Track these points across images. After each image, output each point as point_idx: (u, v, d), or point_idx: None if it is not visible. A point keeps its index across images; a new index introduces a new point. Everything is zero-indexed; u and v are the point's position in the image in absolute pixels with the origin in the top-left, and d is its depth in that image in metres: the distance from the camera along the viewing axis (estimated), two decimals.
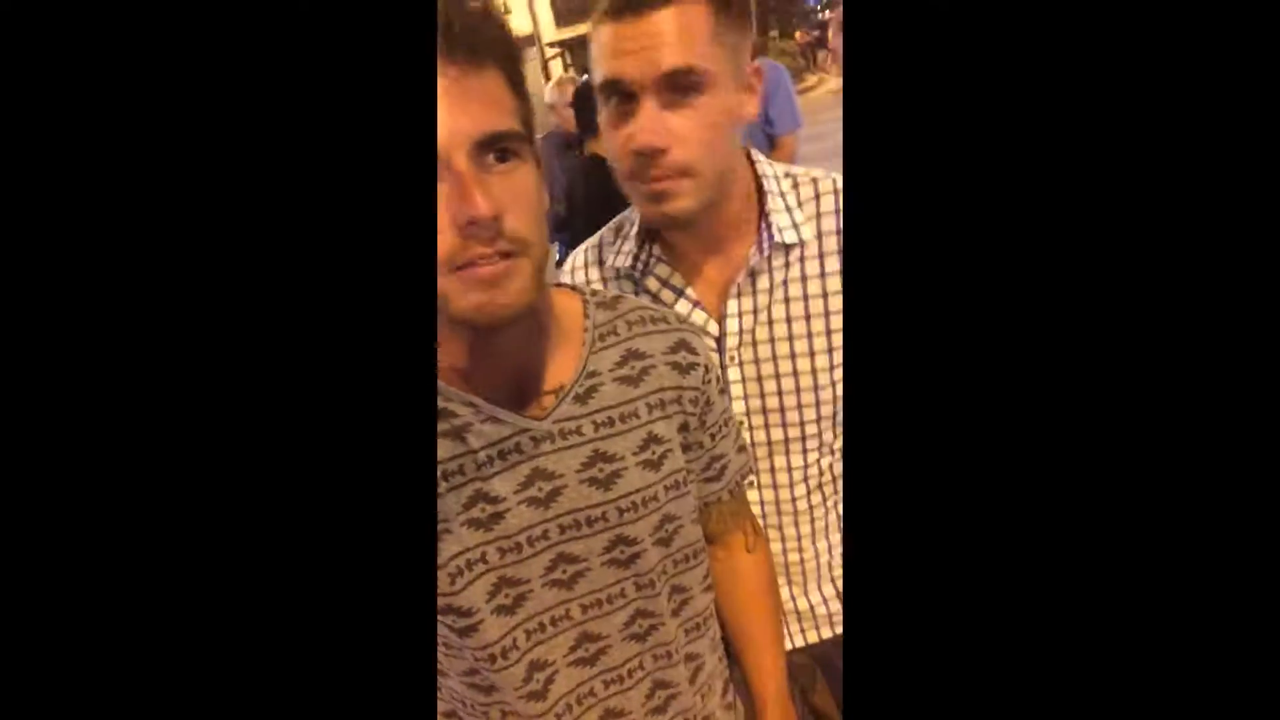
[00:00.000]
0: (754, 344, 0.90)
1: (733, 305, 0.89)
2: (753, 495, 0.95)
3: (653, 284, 0.91)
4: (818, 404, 0.91)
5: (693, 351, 0.76)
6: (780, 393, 0.91)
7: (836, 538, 1.00)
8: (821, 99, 12.04)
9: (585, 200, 2.78)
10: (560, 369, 0.70)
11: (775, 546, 0.98)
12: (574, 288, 0.77)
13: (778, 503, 0.96)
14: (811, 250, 0.88)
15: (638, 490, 0.70)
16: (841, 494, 0.99)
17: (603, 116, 0.82)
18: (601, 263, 0.95)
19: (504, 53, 0.58)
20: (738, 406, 0.91)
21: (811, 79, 15.62)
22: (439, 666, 0.73)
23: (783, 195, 0.89)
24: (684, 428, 0.75)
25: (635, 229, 0.92)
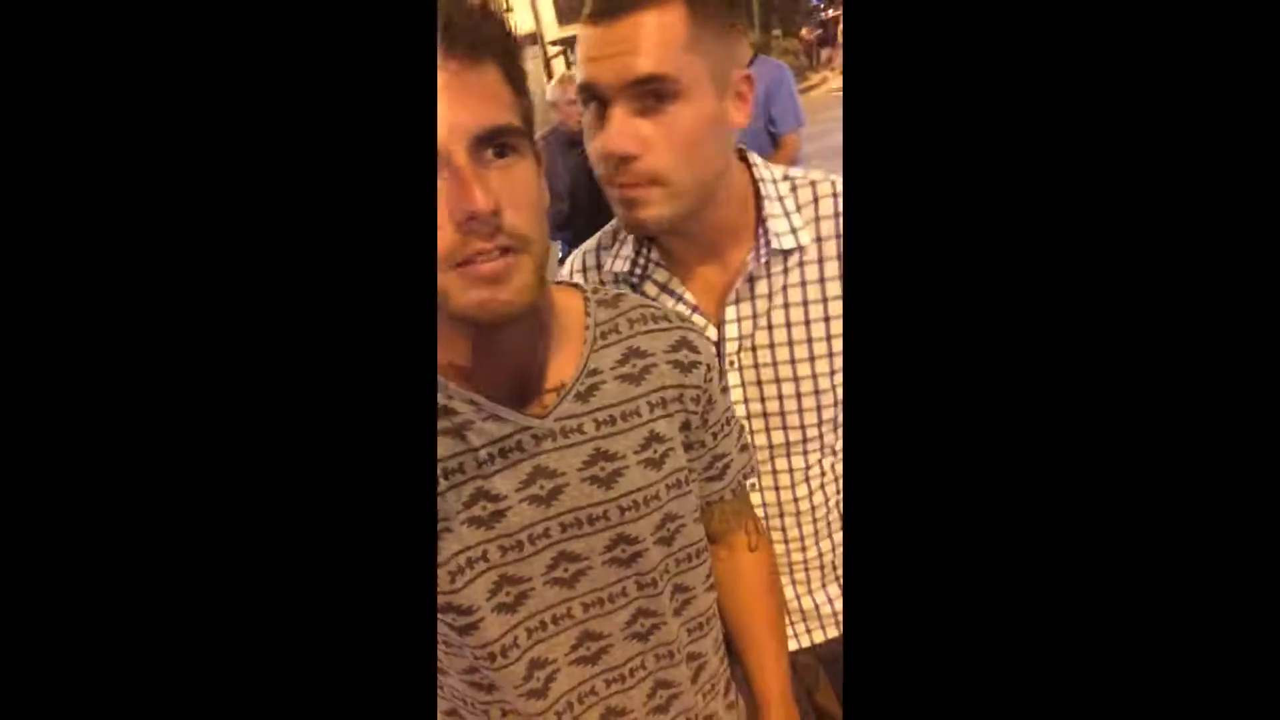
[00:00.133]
0: (753, 349, 0.90)
1: (731, 311, 0.89)
2: (755, 497, 0.95)
3: (651, 289, 0.91)
4: (819, 408, 0.91)
5: (694, 350, 0.75)
6: (780, 397, 0.91)
7: (840, 537, 1.00)
8: (824, 98, 12.04)
9: (588, 199, 2.78)
10: (561, 367, 0.70)
11: (779, 547, 0.98)
12: (575, 285, 0.77)
13: (780, 504, 0.96)
14: (811, 255, 0.87)
15: (639, 489, 0.70)
16: (843, 495, 0.99)
17: (584, 120, 0.81)
18: (599, 266, 0.95)
19: (502, 48, 0.58)
20: (738, 410, 0.91)
21: (814, 77, 15.62)
22: (439, 665, 0.73)
23: (780, 199, 0.88)
24: (686, 426, 0.75)
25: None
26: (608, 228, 0.97)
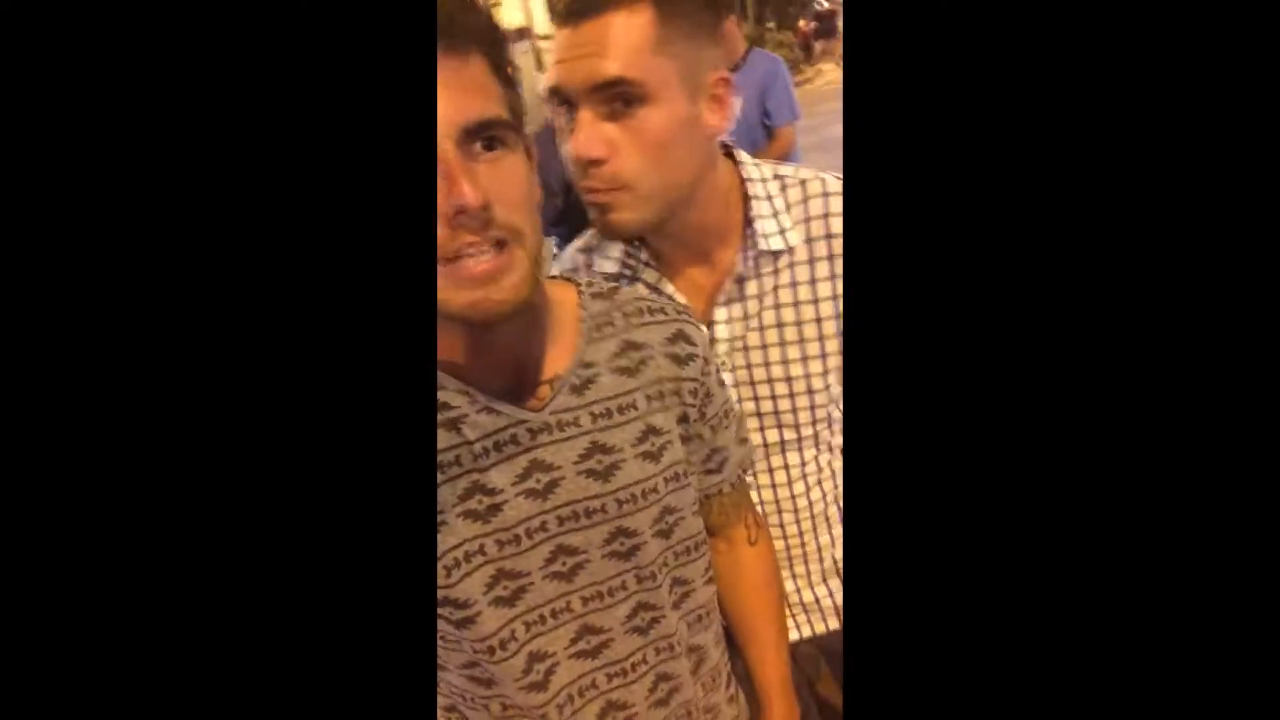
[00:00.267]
0: (745, 349, 0.89)
1: (721, 313, 0.88)
2: (753, 495, 0.95)
3: (640, 290, 0.91)
4: (812, 406, 0.91)
5: (691, 343, 0.75)
6: (774, 396, 0.90)
7: (839, 530, 1.00)
8: (819, 90, 12.03)
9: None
10: (556, 360, 0.70)
11: (778, 543, 0.98)
12: (569, 279, 0.77)
13: (777, 501, 0.96)
14: (801, 255, 0.86)
15: (637, 482, 0.70)
16: (842, 488, 0.98)
17: (558, 122, 0.80)
18: (589, 266, 0.94)
19: (489, 40, 0.58)
20: None
21: (809, 70, 15.60)
22: (439, 660, 0.73)
23: (769, 199, 0.86)
24: (683, 419, 0.75)
25: None
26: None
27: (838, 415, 0.95)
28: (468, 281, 0.56)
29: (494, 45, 0.58)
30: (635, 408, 0.71)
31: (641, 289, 0.89)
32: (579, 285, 0.75)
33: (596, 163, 0.75)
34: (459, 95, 0.54)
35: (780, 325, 0.88)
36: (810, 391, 0.90)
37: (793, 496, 0.95)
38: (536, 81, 0.79)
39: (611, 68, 0.73)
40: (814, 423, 0.92)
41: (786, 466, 0.94)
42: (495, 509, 0.66)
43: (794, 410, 0.91)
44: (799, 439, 0.93)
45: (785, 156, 2.90)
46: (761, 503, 0.96)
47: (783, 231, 0.85)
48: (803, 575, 1.01)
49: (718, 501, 0.83)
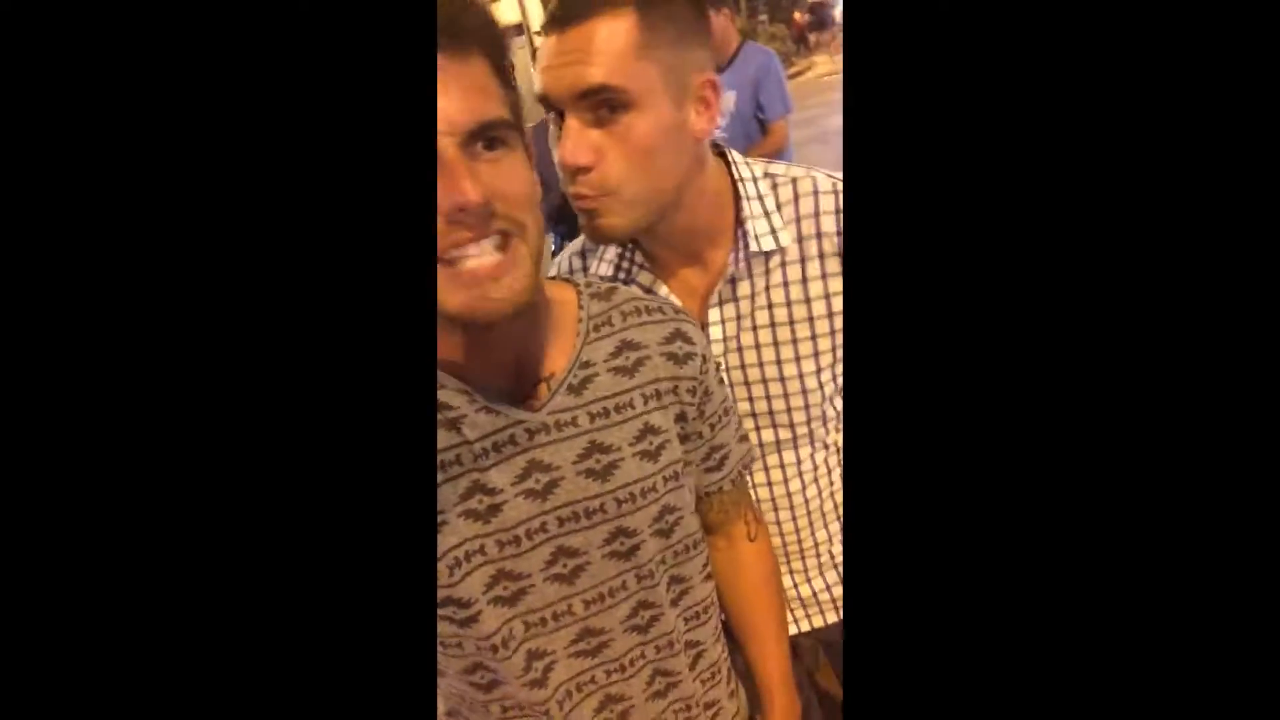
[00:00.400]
0: (739, 349, 0.89)
1: (714, 313, 0.89)
2: (750, 493, 0.95)
3: (639, 290, 0.91)
4: (807, 406, 0.91)
5: (689, 341, 0.75)
6: (769, 396, 0.91)
7: (836, 526, 1.01)
8: (812, 83, 12.01)
9: None
10: (554, 360, 0.70)
11: (776, 540, 0.98)
12: (568, 279, 0.77)
13: (774, 498, 0.97)
14: (793, 254, 0.86)
15: (636, 481, 0.70)
16: (838, 484, 0.99)
17: (550, 128, 0.81)
18: (585, 269, 0.94)
19: (490, 40, 0.58)
20: None
21: (801, 63, 15.56)
22: (439, 666, 0.73)
23: (761, 199, 0.86)
24: (681, 418, 0.75)
25: None
26: None
27: (832, 413, 0.95)
28: (468, 282, 0.56)
29: (494, 46, 0.59)
30: (632, 407, 0.71)
31: (639, 289, 0.89)
32: (578, 286, 0.75)
33: (584, 169, 0.76)
34: (461, 96, 0.55)
35: (773, 325, 0.88)
36: (804, 391, 0.90)
37: (789, 494, 0.96)
38: (532, 78, 0.79)
39: (595, 75, 0.73)
40: (809, 421, 0.92)
41: (782, 465, 0.94)
42: (495, 509, 0.66)
43: (788, 410, 0.91)
44: (794, 438, 0.93)
45: (779, 150, 2.90)
46: (758, 500, 0.96)
47: (774, 231, 0.85)
48: (800, 570, 1.02)
49: (718, 499, 0.83)
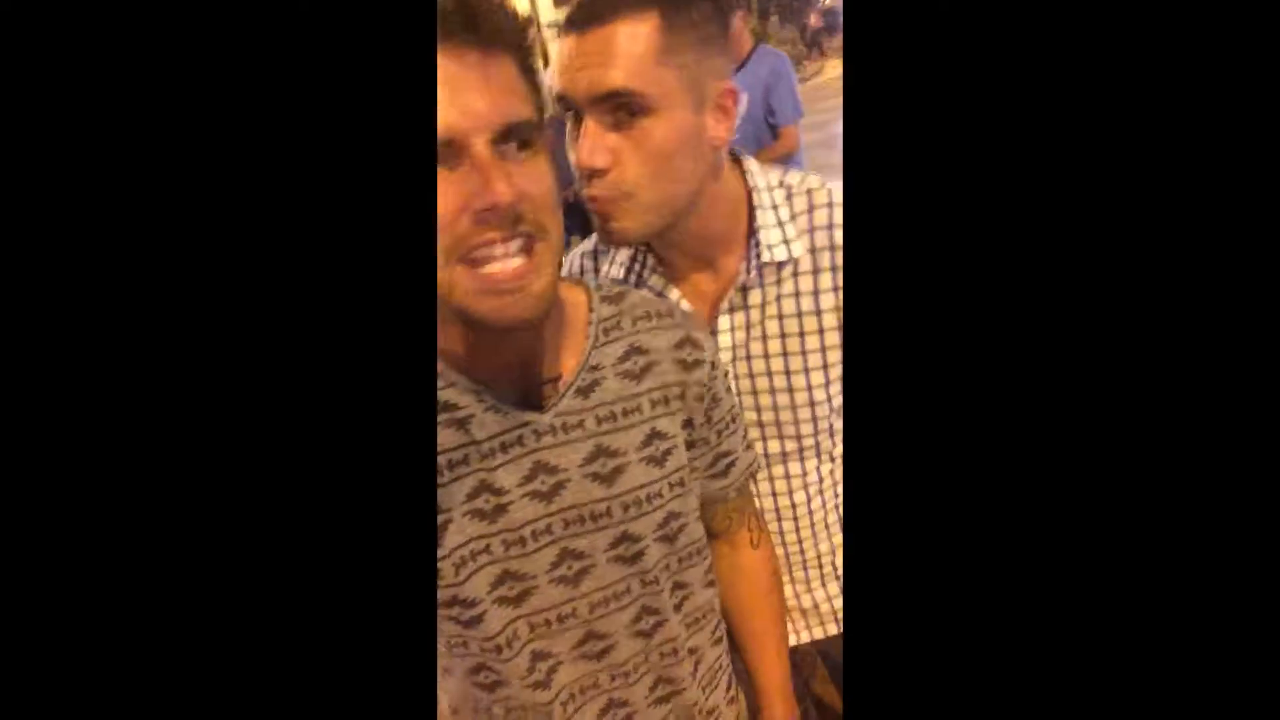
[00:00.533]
0: (748, 358, 0.89)
1: (724, 321, 0.88)
2: (755, 503, 0.95)
3: (650, 294, 0.91)
4: (814, 417, 0.91)
5: (698, 347, 0.75)
6: (776, 407, 0.90)
7: (839, 539, 1.00)
8: (821, 87, 12.00)
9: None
10: (563, 362, 0.70)
11: (779, 550, 0.98)
12: (580, 281, 0.77)
13: (778, 510, 0.96)
14: (805, 265, 0.86)
15: (641, 486, 0.70)
16: (842, 497, 0.99)
17: (567, 129, 0.80)
18: (596, 270, 0.94)
19: (519, 42, 0.58)
20: None
21: (812, 66, 15.54)
22: (444, 664, 0.73)
23: (775, 208, 0.86)
24: (688, 424, 0.75)
25: None
26: None
27: (839, 426, 0.95)
28: (494, 287, 0.56)
29: (524, 50, 0.59)
30: (640, 412, 0.71)
31: (650, 293, 0.89)
32: (589, 288, 0.75)
33: (600, 172, 0.75)
34: (494, 96, 0.55)
35: (783, 335, 0.88)
36: (812, 403, 0.90)
37: (793, 505, 0.96)
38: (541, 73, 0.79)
39: (615, 78, 0.73)
40: (815, 433, 0.92)
41: (788, 476, 0.94)
42: (501, 509, 0.66)
43: (795, 421, 0.91)
44: (800, 449, 0.93)
45: (789, 155, 2.89)
46: (763, 510, 0.96)
47: (787, 241, 0.85)
48: (802, 581, 1.01)
49: (723, 506, 0.83)
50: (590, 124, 0.75)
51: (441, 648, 0.72)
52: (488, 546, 0.66)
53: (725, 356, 0.89)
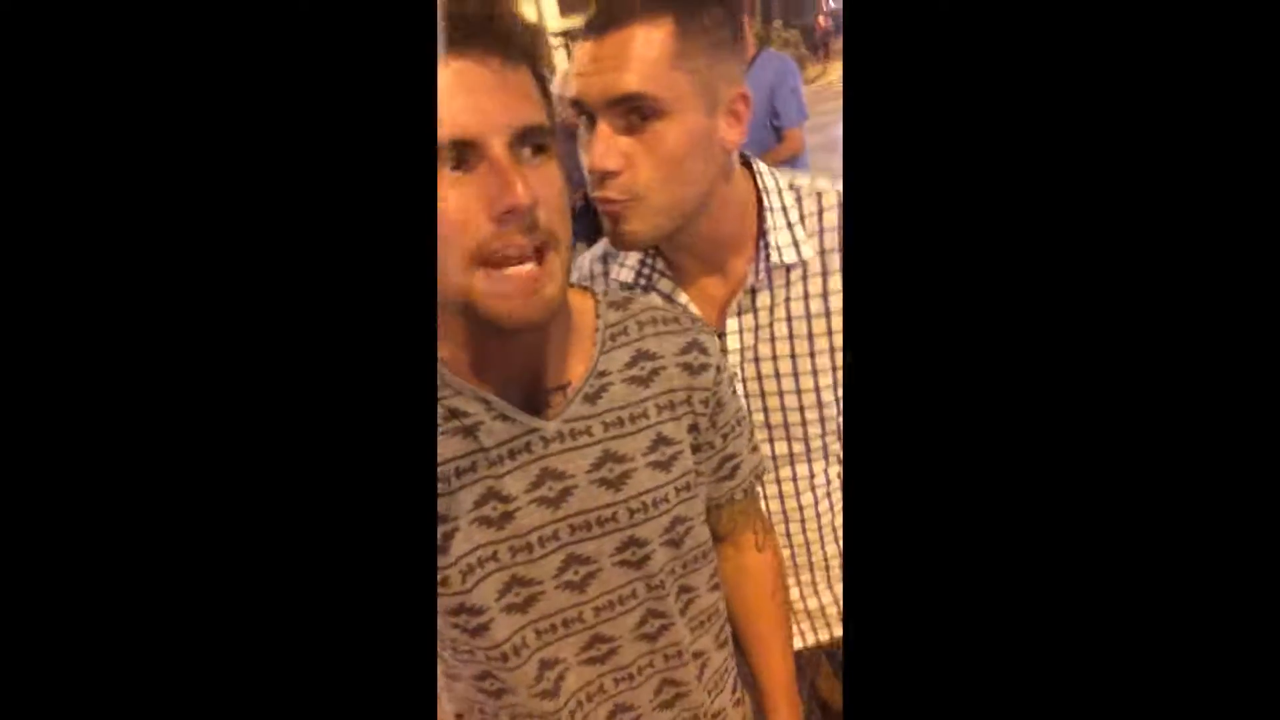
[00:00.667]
0: (756, 360, 0.89)
1: (732, 323, 0.89)
2: (762, 505, 0.95)
3: (656, 299, 0.91)
4: (821, 419, 0.91)
5: (704, 352, 0.76)
6: (784, 409, 0.91)
7: None
8: (824, 89, 11.99)
9: (583, 194, 2.76)
10: (571, 368, 0.70)
11: (785, 553, 0.98)
12: (586, 287, 0.77)
13: (785, 511, 0.97)
14: (815, 268, 0.87)
15: (648, 491, 0.70)
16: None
17: (579, 132, 0.81)
18: (606, 274, 0.95)
19: (536, 53, 0.60)
20: None
21: (814, 69, 15.52)
22: (450, 669, 0.74)
23: (784, 210, 0.87)
24: (694, 428, 0.75)
25: None
26: None
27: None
28: (507, 291, 0.57)
29: (539, 59, 0.60)
30: (646, 417, 0.71)
31: (657, 298, 0.90)
32: (596, 294, 0.76)
33: (612, 174, 0.76)
34: (511, 101, 0.56)
35: (792, 337, 0.88)
36: (820, 405, 0.90)
37: (800, 508, 0.96)
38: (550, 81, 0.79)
39: (630, 82, 0.73)
40: (823, 435, 0.92)
41: (795, 478, 0.94)
42: (508, 516, 0.66)
43: (803, 423, 0.91)
44: (808, 451, 0.93)
45: (794, 157, 2.89)
46: (769, 513, 0.96)
47: (796, 244, 0.86)
48: (808, 583, 1.02)
49: (729, 509, 0.83)
50: (603, 127, 0.76)
51: (448, 654, 0.72)
52: (495, 553, 0.66)
53: (733, 359, 0.89)
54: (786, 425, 0.91)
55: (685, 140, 0.76)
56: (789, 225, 0.86)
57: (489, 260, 0.57)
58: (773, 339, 0.88)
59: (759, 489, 0.92)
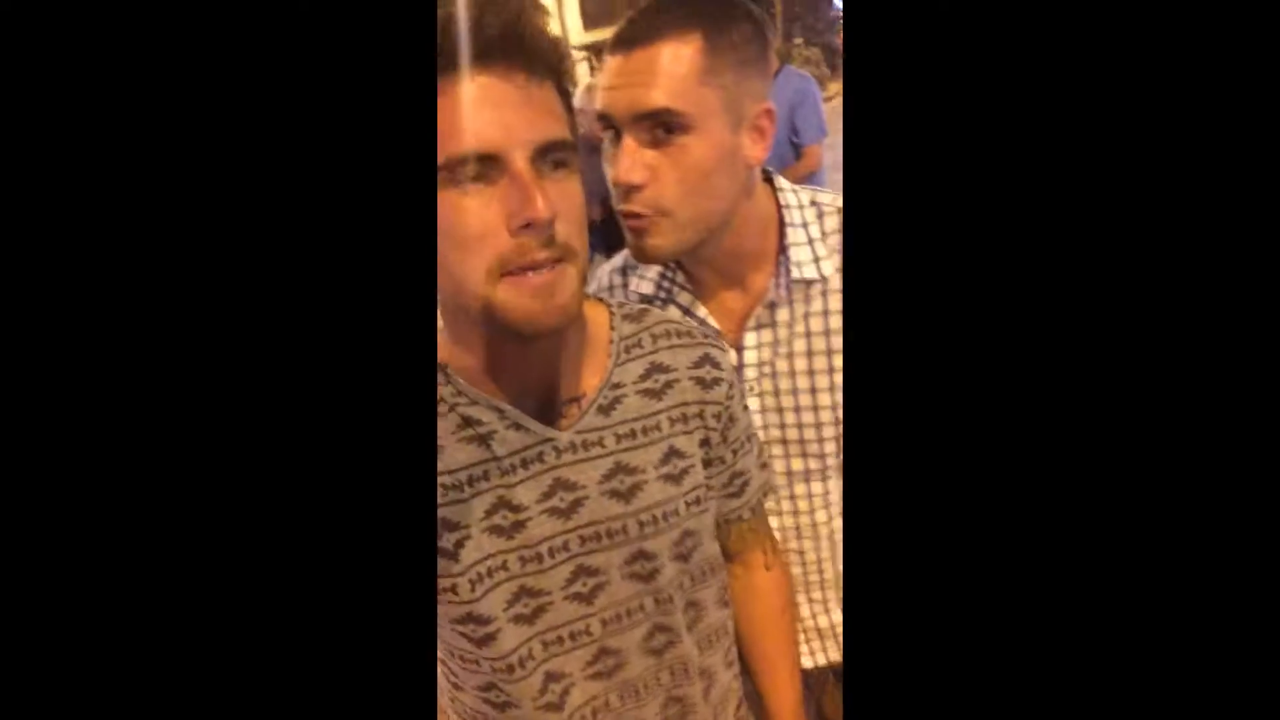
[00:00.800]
0: (774, 375, 0.89)
1: (751, 338, 0.89)
2: (775, 521, 0.94)
3: (674, 312, 0.91)
4: (838, 436, 0.91)
5: (717, 366, 0.75)
6: (800, 425, 0.90)
7: None
8: (840, 107, 11.98)
9: (603, 205, 2.78)
10: (585, 380, 0.70)
11: (797, 570, 0.98)
12: (602, 299, 0.77)
13: (799, 528, 0.96)
14: (834, 284, 0.86)
15: (658, 504, 0.70)
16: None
17: (604, 146, 0.82)
18: (625, 286, 0.95)
19: (559, 67, 0.60)
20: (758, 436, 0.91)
21: (835, 87, 15.52)
22: (456, 679, 0.74)
23: (805, 226, 0.87)
24: (705, 443, 0.75)
25: None
26: None
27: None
28: (525, 295, 0.57)
29: (563, 74, 0.61)
30: (659, 429, 0.71)
31: (674, 311, 0.90)
32: (611, 306, 0.76)
33: (637, 187, 0.77)
34: (534, 115, 0.57)
35: (810, 353, 0.88)
36: (837, 421, 0.89)
37: (814, 524, 0.95)
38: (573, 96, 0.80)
39: (657, 98, 0.74)
40: (839, 452, 0.92)
41: (810, 495, 0.94)
42: (519, 525, 0.66)
43: (819, 439, 0.90)
44: (823, 468, 0.92)
45: (811, 174, 2.90)
46: (783, 529, 0.96)
47: (817, 260, 0.86)
48: (820, 601, 1.01)
49: (737, 527, 0.83)
50: (629, 141, 0.76)
51: (454, 664, 0.72)
52: (505, 563, 0.66)
53: (750, 373, 0.89)
54: (802, 441, 0.91)
55: (711, 155, 0.77)
56: (810, 242, 0.86)
57: (507, 271, 0.57)
58: (791, 354, 0.88)
59: (773, 505, 0.92)
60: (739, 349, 0.89)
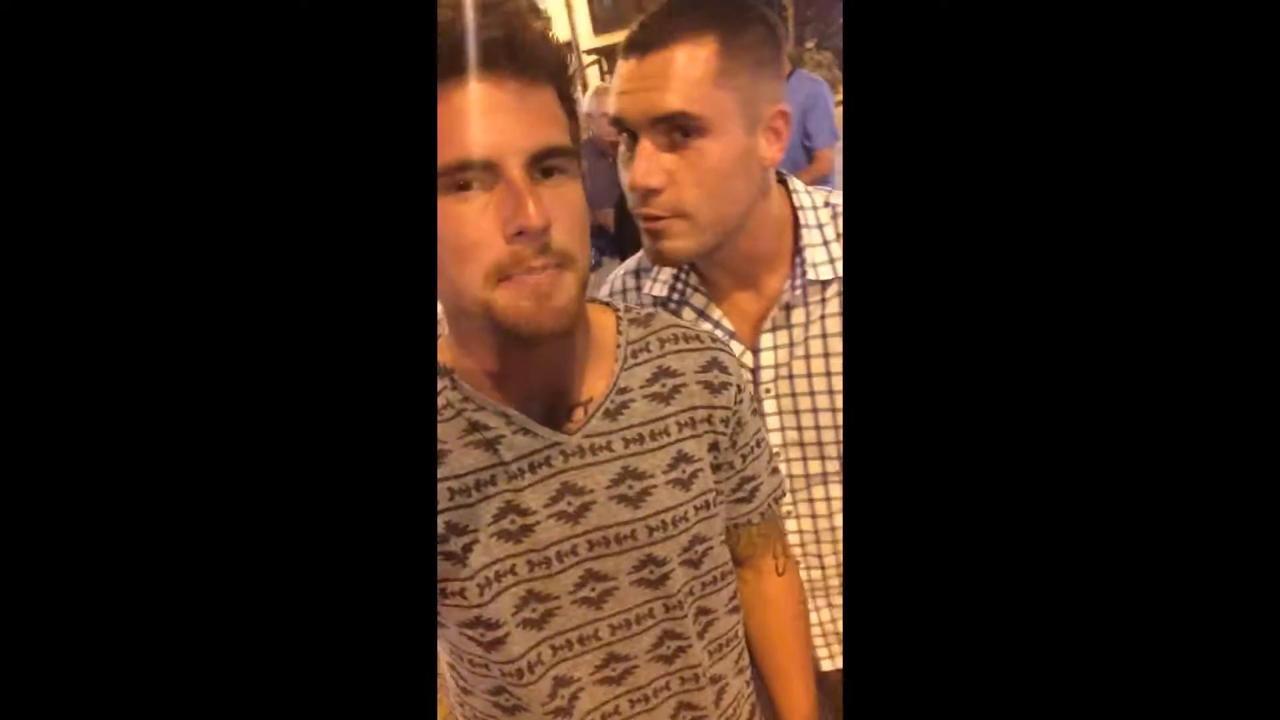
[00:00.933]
0: (790, 377, 0.89)
1: (767, 339, 0.88)
2: (791, 524, 0.94)
3: (688, 314, 0.91)
4: None
5: (725, 371, 0.75)
6: (818, 427, 0.90)
7: None
8: None
9: (615, 210, 2.79)
10: (592, 384, 0.70)
11: (815, 573, 0.97)
12: (608, 303, 0.77)
13: (816, 531, 0.95)
14: None
15: (667, 509, 0.70)
16: None
17: (620, 150, 0.82)
18: (639, 289, 0.95)
19: (559, 73, 0.60)
20: (774, 439, 0.90)
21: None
22: (465, 684, 0.73)
23: (820, 228, 0.87)
24: (714, 447, 0.74)
25: None
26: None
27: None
28: (522, 296, 0.57)
29: (563, 79, 0.61)
30: (667, 434, 0.71)
31: (688, 313, 0.90)
32: (618, 311, 0.75)
33: (655, 191, 0.77)
34: (530, 122, 0.56)
35: (826, 354, 0.87)
36: None
37: (832, 528, 0.94)
38: (579, 101, 0.80)
39: (673, 101, 0.74)
40: None
41: (828, 499, 0.93)
42: (527, 530, 0.66)
43: (837, 441, 0.90)
44: (840, 470, 0.91)
45: (823, 177, 2.90)
46: (800, 532, 0.95)
47: (832, 261, 0.85)
48: (839, 605, 1.00)
49: (747, 532, 0.82)
50: (645, 144, 0.76)
51: (463, 669, 0.72)
52: (513, 567, 0.66)
53: (767, 375, 0.89)
54: (820, 444, 0.90)
55: (727, 157, 0.77)
56: (825, 243, 0.86)
57: (504, 277, 0.57)
58: (807, 356, 0.88)
59: (791, 508, 0.91)
60: (755, 351, 0.89)
